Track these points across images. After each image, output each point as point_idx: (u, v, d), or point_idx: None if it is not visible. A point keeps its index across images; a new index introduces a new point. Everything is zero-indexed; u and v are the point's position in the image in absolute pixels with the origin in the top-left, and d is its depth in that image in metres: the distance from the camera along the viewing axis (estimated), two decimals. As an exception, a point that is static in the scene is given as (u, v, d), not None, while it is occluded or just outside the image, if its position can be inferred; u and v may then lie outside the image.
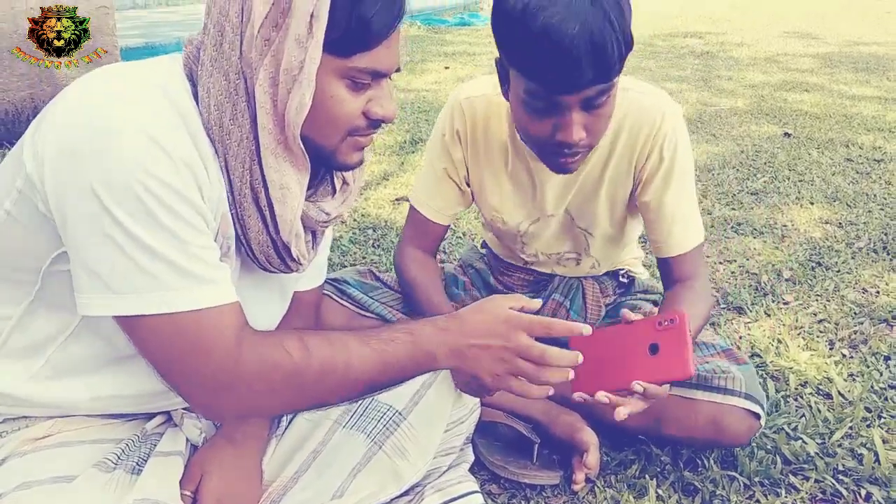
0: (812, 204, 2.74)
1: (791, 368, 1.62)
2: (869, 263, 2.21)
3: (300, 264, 0.90)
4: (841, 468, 1.29)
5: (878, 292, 2.02)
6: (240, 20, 0.76)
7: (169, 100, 0.76)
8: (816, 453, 1.32)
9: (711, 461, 1.29)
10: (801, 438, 1.36)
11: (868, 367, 1.63)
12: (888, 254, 2.29)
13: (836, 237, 2.43)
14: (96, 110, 0.71)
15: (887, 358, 1.67)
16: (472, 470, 1.18)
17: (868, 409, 1.47)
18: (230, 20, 0.77)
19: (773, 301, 1.97)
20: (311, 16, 0.74)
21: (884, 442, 1.35)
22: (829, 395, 1.53)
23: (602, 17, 0.94)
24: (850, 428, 1.40)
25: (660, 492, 1.23)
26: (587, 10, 0.94)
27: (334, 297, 1.38)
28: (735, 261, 2.24)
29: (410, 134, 3.62)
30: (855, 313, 1.89)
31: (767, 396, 1.47)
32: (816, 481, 1.26)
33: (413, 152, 3.34)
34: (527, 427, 1.29)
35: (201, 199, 0.75)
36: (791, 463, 1.30)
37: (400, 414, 1.01)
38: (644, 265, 1.61)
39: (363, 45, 0.78)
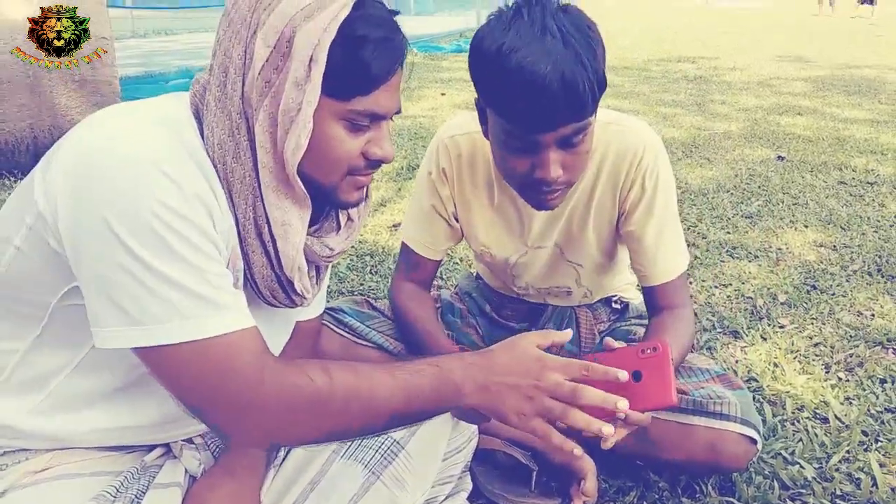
0: (806, 227, 2.77)
1: (787, 392, 1.62)
2: (863, 286, 2.23)
3: (304, 298, 0.91)
4: (839, 493, 1.29)
5: (873, 315, 2.03)
6: (242, 62, 0.79)
7: (178, 137, 0.78)
8: (814, 478, 1.32)
9: (709, 487, 1.29)
10: (799, 463, 1.36)
11: (864, 390, 1.64)
12: (882, 276, 2.30)
13: (830, 260, 2.44)
14: (108, 146, 0.73)
15: (883, 381, 1.68)
16: (470, 498, 1.18)
17: (865, 433, 1.48)
18: (233, 62, 0.79)
19: (769, 325, 1.98)
20: (310, 60, 0.77)
21: (881, 466, 1.36)
22: (825, 419, 1.53)
23: (573, 58, 0.98)
24: (848, 452, 1.40)
25: (658, 519, 1.23)
26: (559, 51, 0.97)
27: (331, 326, 1.39)
28: (730, 284, 2.25)
29: (407, 160, 3.65)
30: (850, 336, 1.90)
31: (764, 421, 1.47)
32: (814, 506, 1.26)
33: (409, 178, 3.36)
34: (525, 454, 1.29)
35: (213, 229, 0.77)
36: (789, 488, 1.31)
37: (398, 443, 1.01)
38: (637, 290, 1.62)
39: (362, 89, 0.80)
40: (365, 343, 1.39)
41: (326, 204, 0.91)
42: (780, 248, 2.56)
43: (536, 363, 0.85)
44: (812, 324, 1.98)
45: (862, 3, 17.54)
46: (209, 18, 10.98)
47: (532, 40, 0.98)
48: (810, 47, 9.75)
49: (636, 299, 1.56)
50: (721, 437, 1.21)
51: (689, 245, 2.23)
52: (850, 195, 3.18)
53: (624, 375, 0.86)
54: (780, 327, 1.97)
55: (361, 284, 2.24)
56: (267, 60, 0.77)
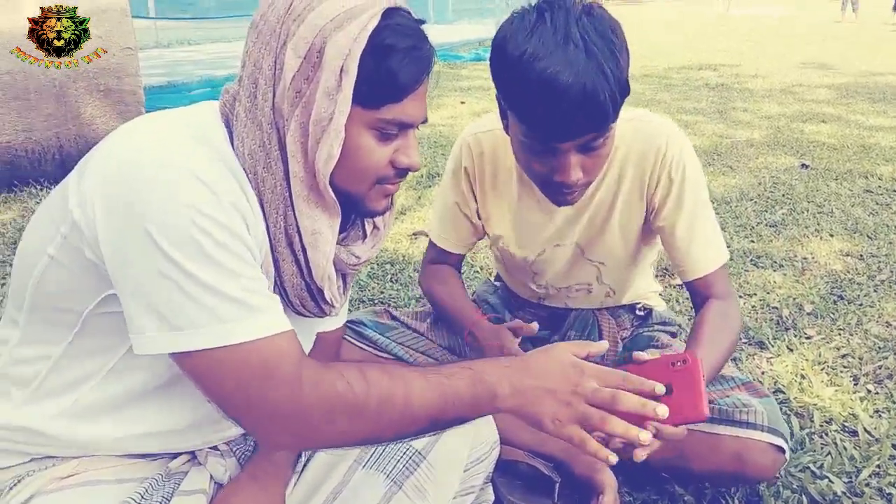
0: (832, 236, 2.72)
1: (815, 405, 1.59)
2: (892, 296, 2.19)
3: (333, 307, 0.92)
4: (869, 508, 1.26)
5: (902, 326, 2.00)
6: (272, 73, 0.79)
7: (211, 146, 0.79)
8: (843, 493, 1.29)
9: (736, 500, 1.27)
10: (828, 477, 1.34)
11: (894, 402, 1.61)
12: (911, 286, 2.26)
13: (857, 269, 2.40)
14: (143, 155, 0.74)
15: (914, 393, 1.65)
16: (492, 509, 1.17)
17: (895, 447, 1.44)
18: (263, 73, 0.80)
19: (796, 335, 1.95)
20: (341, 70, 0.77)
21: (913, 481, 1.33)
22: (854, 433, 1.50)
23: (595, 69, 0.97)
24: (878, 466, 1.37)
25: (684, 532, 1.21)
26: (581, 62, 0.97)
27: (352, 339, 1.40)
28: (755, 294, 2.22)
29: (427, 168, 3.66)
30: (879, 348, 1.86)
31: (792, 434, 1.45)
32: (844, 522, 1.24)
33: (429, 187, 3.37)
34: (547, 466, 1.28)
35: (248, 234, 0.78)
36: (818, 503, 1.28)
37: (420, 453, 1.01)
38: (661, 298, 1.60)
39: (391, 98, 0.81)
40: (386, 355, 1.39)
41: (354, 212, 0.92)
42: (805, 258, 2.52)
43: (574, 369, 0.84)
44: (839, 335, 1.95)
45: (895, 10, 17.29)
46: (232, 29, 11.10)
47: (555, 48, 0.98)
48: (833, 54, 9.64)
49: (660, 306, 1.54)
50: (747, 447, 1.18)
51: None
52: (877, 203, 3.13)
53: (661, 388, 0.85)
54: (807, 338, 1.93)
55: (382, 293, 2.24)
56: (298, 71, 0.78)
